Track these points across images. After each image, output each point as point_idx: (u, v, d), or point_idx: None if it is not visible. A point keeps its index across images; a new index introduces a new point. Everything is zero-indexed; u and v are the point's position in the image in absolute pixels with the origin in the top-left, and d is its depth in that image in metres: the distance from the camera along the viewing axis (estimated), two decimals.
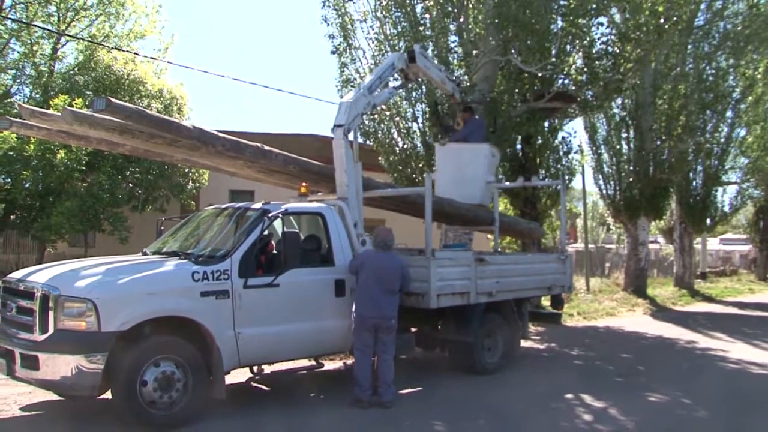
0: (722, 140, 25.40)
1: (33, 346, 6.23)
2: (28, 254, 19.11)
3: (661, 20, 14.54)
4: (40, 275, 6.79)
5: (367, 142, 14.75)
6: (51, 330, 6.19)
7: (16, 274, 7.26)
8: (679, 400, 8.20)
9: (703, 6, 20.81)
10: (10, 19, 15.68)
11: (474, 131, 11.44)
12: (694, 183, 25.96)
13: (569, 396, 8.32)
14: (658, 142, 21.50)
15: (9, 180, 14.44)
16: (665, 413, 7.69)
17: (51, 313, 6.20)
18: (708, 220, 27.20)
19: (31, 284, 6.61)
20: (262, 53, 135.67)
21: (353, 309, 7.60)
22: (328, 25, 15.16)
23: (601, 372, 10.12)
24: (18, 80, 16.21)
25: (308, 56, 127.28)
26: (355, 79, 14.43)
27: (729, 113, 24.68)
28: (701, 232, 29.20)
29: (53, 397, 7.30)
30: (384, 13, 14.37)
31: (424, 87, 13.91)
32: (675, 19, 15.10)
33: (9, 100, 15.42)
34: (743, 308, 20.41)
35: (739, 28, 20.56)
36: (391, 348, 7.67)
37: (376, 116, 14.70)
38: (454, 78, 12.24)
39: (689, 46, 21.54)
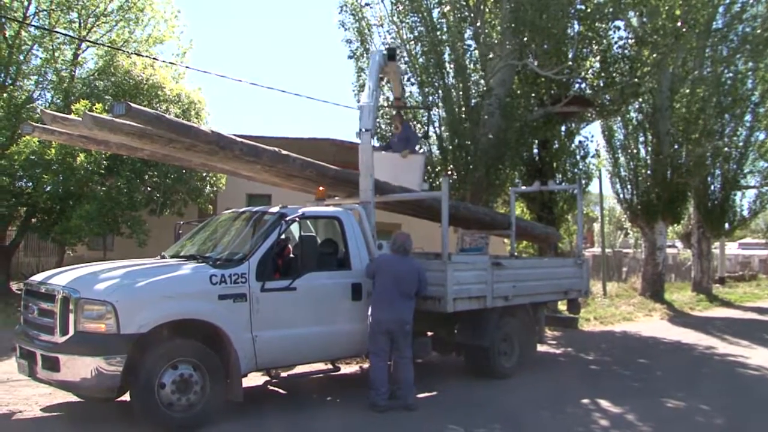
0: (741, 144, 25.12)
1: (53, 347, 6.32)
2: (48, 257, 19.35)
3: (679, 23, 14.47)
4: (60, 278, 6.87)
5: None
6: (71, 332, 6.27)
7: (38, 277, 7.36)
8: (698, 406, 8.13)
9: (721, 9, 20.71)
10: (33, 26, 15.87)
11: (410, 136, 11.57)
12: (712, 187, 25.69)
13: (585, 401, 8.28)
14: (676, 146, 21.38)
15: (30, 184, 14.61)
16: (683, 420, 7.64)
17: (71, 316, 6.27)
18: (726, 225, 26.89)
19: (52, 287, 6.70)
20: (279, 58, 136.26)
21: (369, 313, 7.63)
22: (345, 29, 15.25)
23: (617, 377, 10.06)
24: (40, 86, 16.39)
25: (325, 61, 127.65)
26: None
27: (748, 117, 24.43)
28: (719, 236, 28.89)
29: (73, 398, 7.39)
30: (400, 17, 14.42)
31: (440, 91, 13.91)
32: (692, 22, 15.01)
33: (32, 105, 15.57)
34: (763, 314, 20.19)
35: (758, 31, 20.41)
36: (408, 351, 7.70)
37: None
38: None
39: (707, 50, 21.39)
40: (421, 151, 12.15)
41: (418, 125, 14.60)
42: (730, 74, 22.04)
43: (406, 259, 7.83)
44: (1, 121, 14.56)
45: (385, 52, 10.50)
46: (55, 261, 16.61)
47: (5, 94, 15.11)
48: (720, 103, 21.65)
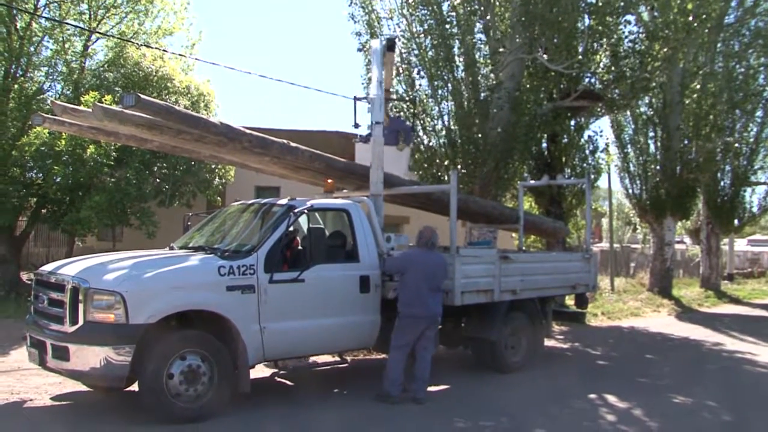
0: (751, 140, 24.94)
1: (63, 337, 6.37)
2: (58, 247, 19.44)
3: (690, 18, 14.38)
4: (70, 268, 6.91)
5: None
6: (81, 322, 6.31)
7: (48, 267, 7.41)
8: (705, 403, 8.11)
9: (733, 3, 20.56)
10: (44, 17, 15.90)
11: (401, 129, 11.40)
12: (722, 183, 25.54)
13: (592, 396, 8.28)
14: (686, 142, 21.25)
15: (41, 175, 14.68)
16: (690, 416, 7.62)
17: (81, 306, 6.32)
18: (736, 221, 26.76)
19: (62, 277, 6.74)
20: (288, 50, 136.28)
21: (401, 308, 7.62)
22: (355, 22, 15.22)
23: (625, 372, 10.05)
24: (50, 77, 16.41)
25: (334, 54, 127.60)
26: None
27: (759, 112, 24.23)
28: (729, 232, 28.75)
29: (83, 387, 7.45)
30: (410, 10, 14.38)
31: (450, 85, 13.88)
32: (704, 16, 14.91)
33: (42, 96, 15.63)
34: None
35: None
36: (432, 345, 7.76)
37: (401, 114, 14.73)
38: None
39: (719, 44, 21.26)
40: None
41: (427, 118, 14.58)
42: (742, 69, 21.89)
43: (433, 253, 7.84)
44: (12, 112, 14.63)
45: (384, 42, 10.40)
46: (65, 251, 16.69)
47: (16, 86, 15.17)
48: (731, 99, 21.50)
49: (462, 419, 7.07)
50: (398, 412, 7.27)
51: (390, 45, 10.30)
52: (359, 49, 15.18)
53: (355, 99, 12.08)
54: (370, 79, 13.95)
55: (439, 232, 8.05)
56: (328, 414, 7.16)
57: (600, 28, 13.70)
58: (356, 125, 11.68)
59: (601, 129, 62.54)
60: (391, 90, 14.38)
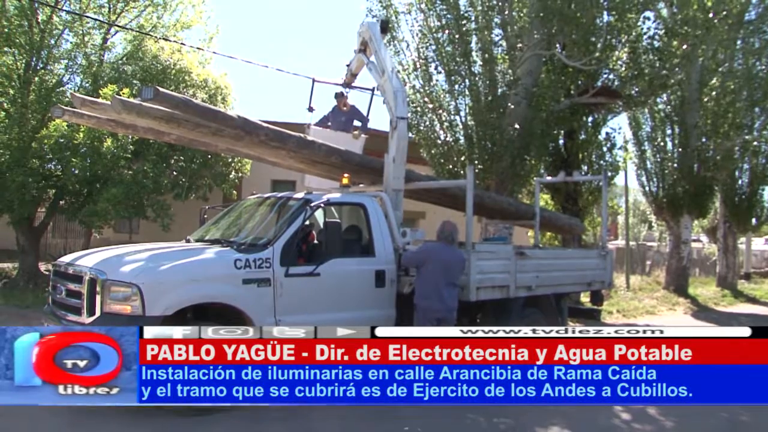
0: None
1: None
2: (76, 239, 19.62)
3: (710, 14, 14.26)
4: (88, 260, 6.97)
5: (409, 134, 14.70)
6: (98, 313, 6.38)
7: (66, 258, 7.48)
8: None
9: (754, 0, 20.32)
10: (64, 10, 16.02)
11: (359, 119, 11.31)
12: (740, 181, 25.36)
13: None
14: (704, 139, 21.07)
15: (59, 167, 14.79)
16: (707, 415, 7.54)
17: (98, 297, 6.39)
18: (753, 220, 26.60)
19: (80, 268, 6.81)
20: (306, 44, 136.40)
21: (417, 301, 7.63)
22: (373, 17, 15.17)
23: None
24: (70, 70, 16.51)
25: (352, 48, 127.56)
26: (399, 71, 14.43)
27: None
28: (746, 231, 28.58)
29: None
30: (428, 5, 14.33)
31: (467, 80, 13.84)
32: (724, 13, 14.78)
33: (61, 89, 15.74)
34: None
35: None
36: None
37: (418, 108, 14.69)
38: None
39: (739, 42, 21.04)
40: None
41: (444, 113, 14.51)
42: (762, 67, 21.65)
43: (452, 247, 7.83)
44: (33, 105, 14.76)
45: (378, 23, 10.10)
46: (82, 243, 16.81)
47: (36, 78, 15.30)
48: (750, 97, 21.30)
49: (474, 415, 7.05)
50: (408, 408, 7.24)
51: (383, 27, 10.10)
52: None
53: (314, 81, 11.80)
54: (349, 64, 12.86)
55: None
56: (338, 410, 7.14)
57: (619, 24, 13.60)
58: (310, 109, 11.46)
59: (620, 126, 62.18)
60: (407, 84, 14.37)
